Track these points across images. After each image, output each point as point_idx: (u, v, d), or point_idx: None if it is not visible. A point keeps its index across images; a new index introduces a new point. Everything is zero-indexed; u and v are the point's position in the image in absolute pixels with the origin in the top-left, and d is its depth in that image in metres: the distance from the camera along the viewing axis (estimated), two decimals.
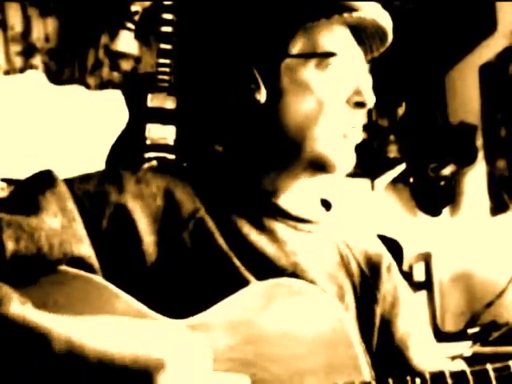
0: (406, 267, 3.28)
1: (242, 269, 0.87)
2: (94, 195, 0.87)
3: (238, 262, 0.87)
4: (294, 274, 0.89)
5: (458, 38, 3.22)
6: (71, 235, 0.80)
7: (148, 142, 2.54)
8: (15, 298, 0.67)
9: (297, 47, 0.92)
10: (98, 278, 0.79)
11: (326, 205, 1.05)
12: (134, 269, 0.84)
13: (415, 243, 3.39)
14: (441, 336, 2.91)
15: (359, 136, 0.96)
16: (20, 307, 0.66)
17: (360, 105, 0.94)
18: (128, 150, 2.61)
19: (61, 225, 0.80)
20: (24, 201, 0.82)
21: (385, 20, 0.96)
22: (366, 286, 0.98)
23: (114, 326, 0.69)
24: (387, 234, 3.06)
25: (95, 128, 3.08)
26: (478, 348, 2.35)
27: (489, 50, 3.02)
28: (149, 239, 0.86)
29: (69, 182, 0.87)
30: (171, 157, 2.54)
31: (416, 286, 3.36)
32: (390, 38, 0.98)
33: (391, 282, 1.01)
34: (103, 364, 0.63)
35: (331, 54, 0.92)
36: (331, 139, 0.92)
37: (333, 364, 0.78)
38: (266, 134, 0.94)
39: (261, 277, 0.84)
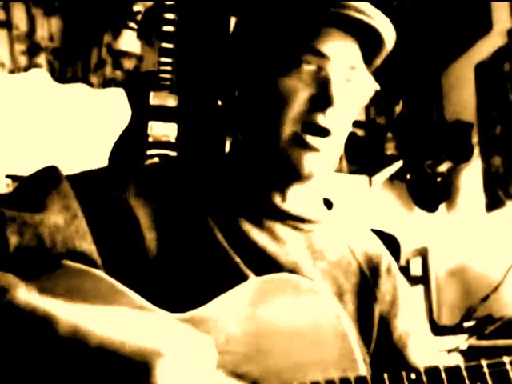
0: (403, 262, 3.31)
1: (242, 265, 0.87)
2: (97, 192, 0.88)
3: (237, 259, 0.88)
4: (293, 271, 0.89)
5: (454, 37, 3.26)
6: (74, 231, 0.81)
7: (150, 139, 2.57)
8: (21, 285, 0.68)
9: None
10: (100, 273, 0.80)
11: (328, 204, 1.05)
12: (136, 264, 0.85)
13: (412, 238, 3.42)
14: (437, 329, 2.94)
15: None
16: (26, 294, 0.68)
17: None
18: (130, 147, 2.64)
19: (64, 221, 0.81)
20: (29, 197, 0.83)
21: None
22: (365, 286, 0.98)
23: (119, 316, 0.71)
24: (385, 229, 3.10)
25: (98, 125, 3.11)
26: (473, 341, 2.37)
27: (484, 48, 3.05)
28: (151, 235, 0.87)
29: (72, 180, 0.88)
30: (173, 154, 2.57)
31: (413, 281, 3.39)
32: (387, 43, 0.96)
33: (391, 282, 1.01)
34: (104, 350, 0.65)
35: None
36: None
37: (329, 359, 0.79)
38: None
39: (260, 273, 0.85)
